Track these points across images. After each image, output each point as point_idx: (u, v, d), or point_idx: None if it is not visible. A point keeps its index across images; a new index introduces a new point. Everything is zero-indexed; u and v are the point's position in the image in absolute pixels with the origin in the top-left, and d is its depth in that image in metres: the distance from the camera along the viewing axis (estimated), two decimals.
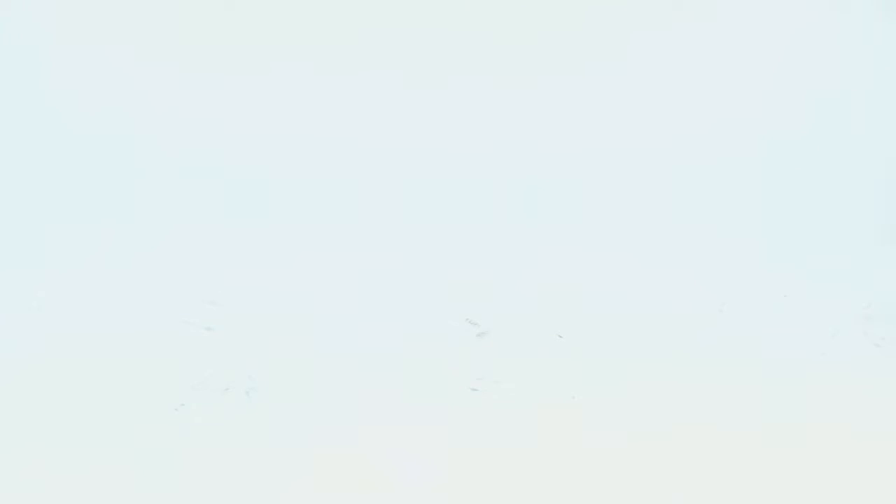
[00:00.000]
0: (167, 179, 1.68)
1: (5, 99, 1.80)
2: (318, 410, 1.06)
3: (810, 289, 1.39)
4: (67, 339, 1.20)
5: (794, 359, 1.19)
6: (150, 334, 1.22)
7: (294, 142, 1.67)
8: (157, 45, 1.74)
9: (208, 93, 1.78)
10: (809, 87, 1.97)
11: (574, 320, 1.27)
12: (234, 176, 1.66)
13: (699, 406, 1.08)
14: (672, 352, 1.21)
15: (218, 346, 1.19)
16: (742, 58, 2.00)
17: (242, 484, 0.94)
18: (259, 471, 0.96)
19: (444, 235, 1.49)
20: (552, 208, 1.67)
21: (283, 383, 1.11)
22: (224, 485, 0.94)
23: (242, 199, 1.59)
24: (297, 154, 1.65)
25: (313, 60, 1.70)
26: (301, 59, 1.70)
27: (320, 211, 1.53)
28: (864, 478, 0.96)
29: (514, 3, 1.73)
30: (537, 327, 1.25)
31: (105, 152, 1.71)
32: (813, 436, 1.03)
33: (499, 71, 1.76)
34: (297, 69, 1.70)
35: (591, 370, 1.16)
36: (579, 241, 1.54)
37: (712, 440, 1.02)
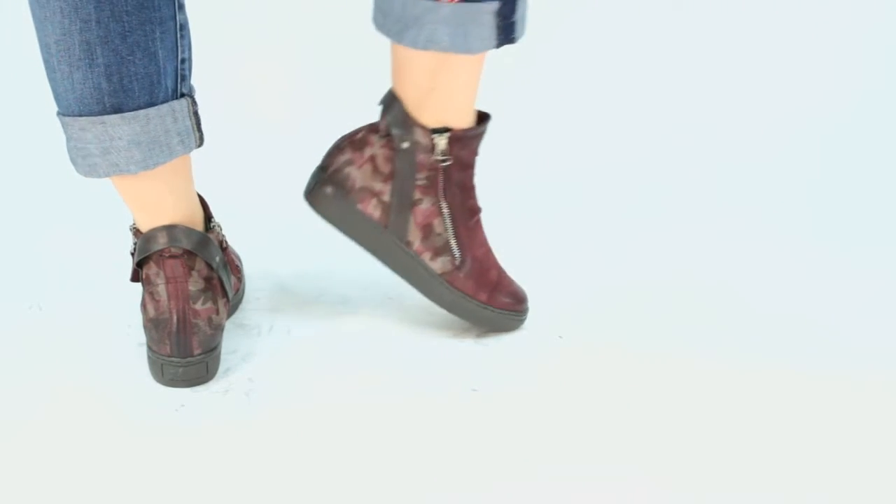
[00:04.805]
0: None
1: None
2: (318, 411, 1.06)
3: (810, 287, 1.40)
4: (67, 339, 1.20)
5: (794, 358, 1.19)
6: None
7: (293, 140, 1.67)
8: None
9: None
10: (804, 84, 1.98)
11: (574, 320, 1.27)
12: (234, 177, 1.66)
13: (699, 406, 1.09)
14: (671, 352, 1.21)
15: None
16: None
17: (243, 484, 0.94)
18: (259, 471, 0.96)
19: None
20: (551, 206, 1.67)
21: (284, 384, 1.12)
22: (224, 485, 0.94)
23: (243, 199, 1.59)
24: (297, 156, 1.64)
25: None
26: None
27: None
28: (864, 478, 0.96)
29: None
30: (537, 327, 1.25)
31: None
32: (812, 436, 1.03)
33: None
34: None
35: (592, 370, 1.16)
36: (579, 241, 1.54)
37: (712, 440, 1.02)
